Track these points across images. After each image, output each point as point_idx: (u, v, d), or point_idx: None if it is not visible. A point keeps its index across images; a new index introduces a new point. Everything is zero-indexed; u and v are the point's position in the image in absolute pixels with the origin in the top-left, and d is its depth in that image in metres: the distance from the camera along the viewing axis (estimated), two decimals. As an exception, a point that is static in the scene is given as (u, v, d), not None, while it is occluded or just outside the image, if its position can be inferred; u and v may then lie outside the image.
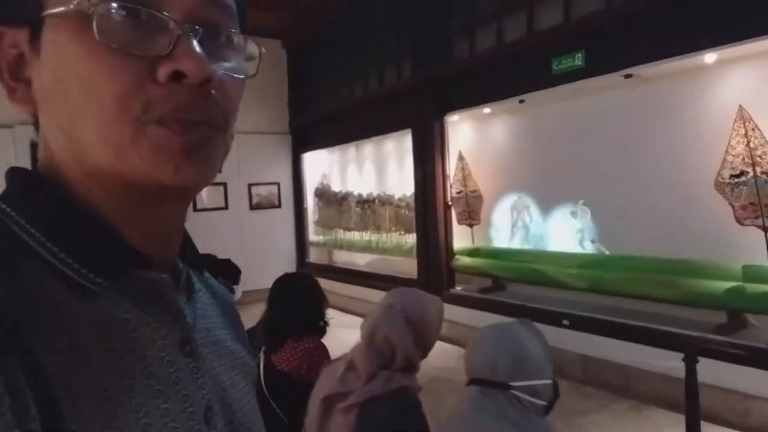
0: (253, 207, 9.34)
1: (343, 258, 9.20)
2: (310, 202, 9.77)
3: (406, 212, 7.38)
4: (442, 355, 5.06)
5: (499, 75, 5.56)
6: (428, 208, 6.64)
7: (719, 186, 3.99)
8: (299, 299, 2.41)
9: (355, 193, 8.52)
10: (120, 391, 0.42)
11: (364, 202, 8.27)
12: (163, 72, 0.42)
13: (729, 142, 3.87)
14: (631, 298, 4.57)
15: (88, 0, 0.41)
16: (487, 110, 6.04)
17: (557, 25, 5.03)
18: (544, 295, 5.45)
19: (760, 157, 3.71)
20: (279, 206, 9.58)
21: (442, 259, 6.54)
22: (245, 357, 0.62)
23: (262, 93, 8.76)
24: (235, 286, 0.72)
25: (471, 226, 6.43)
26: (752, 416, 3.64)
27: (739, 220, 3.94)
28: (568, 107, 5.15)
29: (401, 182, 7.58)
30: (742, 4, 3.71)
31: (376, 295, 6.96)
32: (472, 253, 6.32)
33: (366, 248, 8.31)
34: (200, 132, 0.45)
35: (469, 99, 6.03)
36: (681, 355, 3.57)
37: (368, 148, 8.42)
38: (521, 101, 5.47)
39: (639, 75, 4.46)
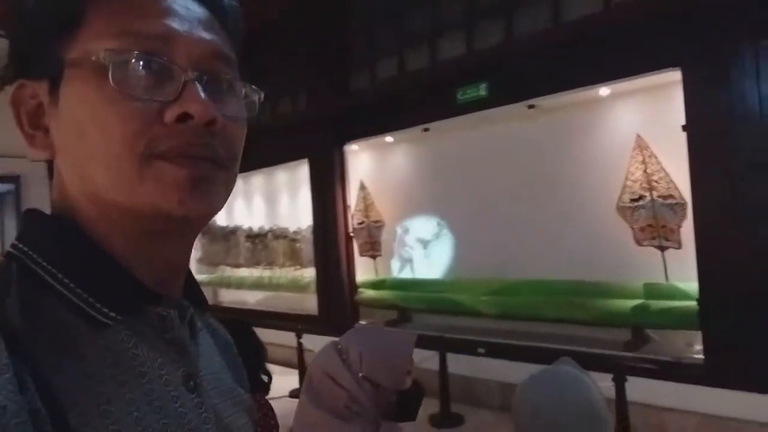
0: (125, 245, 8.35)
1: (230, 297, 8.53)
2: (191, 237, 8.99)
3: (302, 246, 7.03)
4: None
5: (402, 104, 5.54)
6: (329, 241, 6.37)
7: (620, 210, 4.23)
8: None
9: (245, 227, 7.99)
10: (131, 422, 0.44)
11: (255, 237, 7.76)
12: (170, 114, 0.47)
13: (628, 168, 4.15)
14: (544, 321, 4.66)
15: (104, 53, 0.46)
16: (389, 139, 5.98)
17: (460, 56, 5.16)
18: (452, 324, 5.39)
19: (656, 182, 4.00)
20: (155, 243, 8.68)
21: (345, 293, 6.27)
22: (245, 396, 0.64)
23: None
24: None
25: (374, 257, 6.26)
26: (669, 429, 3.81)
27: (638, 242, 4.20)
28: (473, 136, 5.25)
29: (295, 214, 7.24)
30: (630, 44, 4.03)
31: (274, 335, 6.54)
32: (377, 285, 6.13)
33: (257, 285, 7.77)
34: (204, 167, 0.48)
35: (370, 128, 5.93)
36: (599, 375, 3.68)
37: (257, 179, 7.97)
38: (426, 129, 5.48)
39: (541, 105, 4.67)
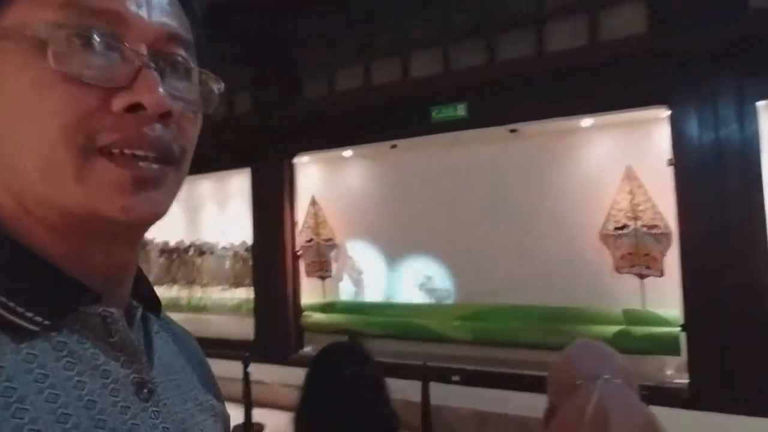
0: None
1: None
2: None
3: (235, 263, 6.37)
4: None
5: (367, 118, 5.29)
6: (271, 259, 5.83)
7: (603, 237, 4.34)
8: (364, 398, 1.60)
9: (157, 241, 7.07)
10: None
11: (172, 251, 6.90)
12: (119, 103, 0.42)
13: (615, 197, 4.28)
14: (520, 348, 4.59)
15: (44, 26, 0.40)
16: (347, 153, 5.65)
17: (437, 74, 5.04)
18: (408, 351, 5.14)
19: (641, 211, 4.17)
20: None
21: (289, 317, 5.76)
22: (214, 401, 0.59)
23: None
24: None
25: (323, 278, 5.83)
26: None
27: (618, 269, 4.33)
28: (447, 155, 5.11)
29: (225, 228, 6.57)
30: (618, 79, 4.21)
31: None
32: (326, 308, 5.70)
33: (171, 306, 6.87)
34: (150, 167, 0.44)
35: (327, 140, 5.57)
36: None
37: (174, 187, 7.13)
38: (393, 146, 5.26)
39: (523, 130, 4.68)
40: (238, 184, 6.42)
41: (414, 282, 5.31)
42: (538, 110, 4.52)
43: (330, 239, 5.76)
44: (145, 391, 0.47)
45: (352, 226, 5.71)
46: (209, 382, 0.63)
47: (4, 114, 0.42)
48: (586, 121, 4.49)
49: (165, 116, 0.43)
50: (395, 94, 5.21)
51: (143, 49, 0.43)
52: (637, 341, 4.15)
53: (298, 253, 5.83)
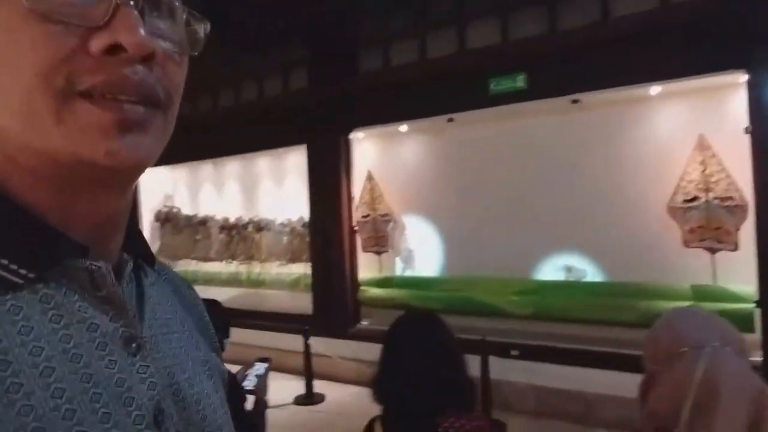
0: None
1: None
2: (146, 227, 8.12)
3: (293, 239, 6.50)
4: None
5: (423, 91, 5.23)
6: (329, 235, 5.92)
7: (671, 210, 4.18)
8: (428, 371, 1.59)
9: (218, 218, 7.30)
10: (47, 396, 0.39)
11: (231, 228, 7.11)
12: (97, 44, 0.39)
13: (685, 169, 4.10)
14: (581, 323, 4.52)
15: None
16: (403, 128, 5.63)
17: (495, 45, 4.92)
18: (463, 325, 5.12)
19: (714, 183, 3.98)
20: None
21: (347, 292, 5.85)
22: (211, 356, 0.59)
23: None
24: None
25: (379, 253, 5.88)
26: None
27: (686, 243, 4.17)
28: (506, 128, 5.02)
29: (282, 204, 6.70)
30: (691, 43, 3.99)
31: (252, 336, 5.94)
32: (383, 283, 5.76)
33: (231, 281, 7.12)
34: (135, 109, 0.42)
35: (383, 115, 5.55)
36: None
37: (232, 166, 7.32)
38: (450, 120, 5.20)
39: (585, 101, 4.53)
40: (295, 161, 6.52)
41: (471, 255, 5.28)
42: (603, 79, 4.35)
43: (386, 214, 5.78)
44: (134, 345, 0.45)
45: (408, 201, 5.71)
46: (208, 336, 0.62)
47: None
48: (654, 89, 4.30)
49: (147, 58, 0.41)
50: (452, 66, 5.12)
51: None
52: (708, 318, 4.00)
53: (355, 229, 5.89)
